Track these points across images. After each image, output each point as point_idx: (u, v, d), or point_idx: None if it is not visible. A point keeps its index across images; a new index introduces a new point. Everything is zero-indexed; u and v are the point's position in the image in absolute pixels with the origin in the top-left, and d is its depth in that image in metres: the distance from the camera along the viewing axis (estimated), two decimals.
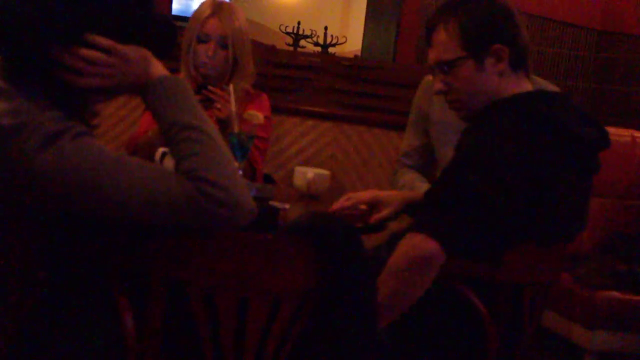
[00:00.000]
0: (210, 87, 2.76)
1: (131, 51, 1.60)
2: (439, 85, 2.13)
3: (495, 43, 2.03)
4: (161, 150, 2.45)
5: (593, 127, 2.04)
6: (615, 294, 3.45)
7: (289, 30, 9.34)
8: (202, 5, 3.03)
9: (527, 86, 2.10)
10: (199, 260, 1.57)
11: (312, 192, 2.69)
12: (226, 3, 3.07)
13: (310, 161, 3.97)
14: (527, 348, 2.12)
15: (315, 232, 1.63)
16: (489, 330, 1.94)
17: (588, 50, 5.35)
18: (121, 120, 4.06)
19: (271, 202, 2.41)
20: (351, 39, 9.17)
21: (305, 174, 2.68)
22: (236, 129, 2.65)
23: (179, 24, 3.28)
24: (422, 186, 2.84)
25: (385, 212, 2.34)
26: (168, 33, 1.73)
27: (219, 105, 2.74)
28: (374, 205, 2.37)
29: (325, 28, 9.29)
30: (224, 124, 2.68)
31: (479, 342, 1.95)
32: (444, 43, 2.08)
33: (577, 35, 5.29)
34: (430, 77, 3.14)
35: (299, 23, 9.47)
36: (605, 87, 5.24)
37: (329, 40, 9.04)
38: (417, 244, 1.83)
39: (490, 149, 1.90)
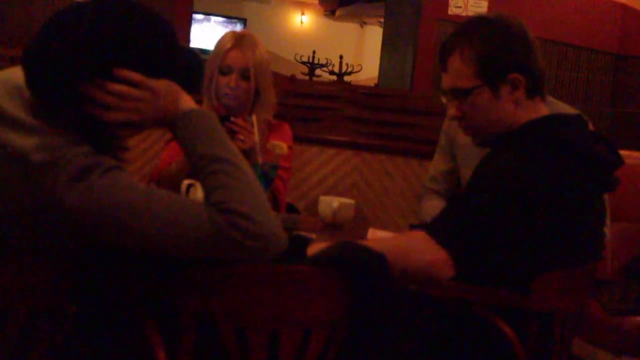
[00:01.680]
0: (232, 119, 2.78)
1: (160, 85, 1.61)
2: (453, 112, 2.14)
3: (511, 72, 2.04)
4: (186, 182, 2.46)
5: (606, 146, 2.04)
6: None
7: (304, 59, 9.39)
8: (224, 37, 3.05)
9: (543, 111, 2.10)
10: (230, 292, 1.57)
11: (337, 222, 2.69)
12: (248, 34, 3.09)
13: (332, 190, 3.98)
14: None
15: (345, 262, 1.62)
16: (519, 358, 1.92)
17: (605, 74, 5.35)
18: (143, 152, 4.09)
19: (297, 232, 2.41)
20: (366, 67, 9.21)
21: (331, 204, 2.68)
22: (260, 160, 2.66)
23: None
24: None
25: None
26: (195, 66, 1.74)
27: (242, 137, 2.75)
28: None
29: (341, 57, 9.34)
30: (247, 155, 2.69)
31: None
32: (459, 70, 2.08)
33: (594, 59, 5.30)
34: None
35: (314, 52, 9.52)
36: (623, 111, 5.24)
37: (344, 68, 9.09)
38: (427, 249, 1.86)
39: (510, 173, 1.90)
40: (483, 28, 2.08)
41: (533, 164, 1.91)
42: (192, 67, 1.73)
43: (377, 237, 2.35)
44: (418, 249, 1.90)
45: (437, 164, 3.16)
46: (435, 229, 1.91)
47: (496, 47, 2.04)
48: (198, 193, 2.31)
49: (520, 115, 2.06)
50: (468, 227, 1.89)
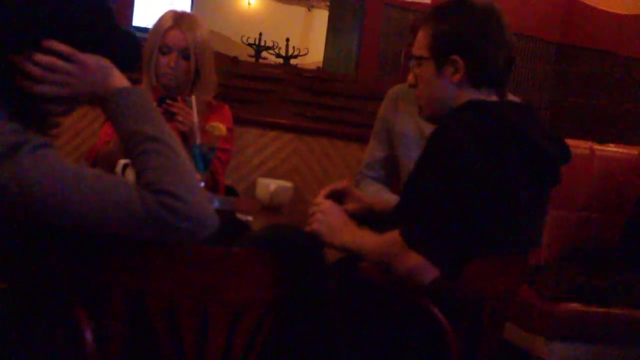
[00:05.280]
0: (169, 101, 2.75)
1: (91, 60, 1.58)
2: (410, 78, 2.18)
3: (453, 53, 2.06)
4: (122, 162, 2.43)
5: (555, 142, 2.06)
6: (575, 305, 3.47)
7: (251, 41, 9.33)
8: (163, 16, 3.02)
9: (493, 99, 2.11)
10: (160, 272, 1.56)
11: (275, 204, 2.68)
12: (188, 14, 3.06)
13: (273, 173, 3.96)
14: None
15: (277, 244, 1.62)
16: (451, 343, 1.94)
17: (547, 63, 5.41)
18: (80, 131, 4.02)
19: (234, 214, 2.40)
20: (313, 51, 9.18)
21: (268, 186, 2.68)
22: (198, 141, 2.63)
23: (139, 35, 3.26)
24: (388, 197, 2.85)
25: (349, 207, 2.34)
26: (131, 45, 1.72)
27: (180, 118, 2.73)
28: (344, 196, 2.38)
29: (287, 40, 9.30)
30: (186, 136, 2.66)
31: (440, 355, 1.95)
32: (420, 41, 2.15)
33: (536, 48, 5.35)
34: (395, 88, 3.19)
35: (260, 34, 9.47)
36: (564, 100, 5.31)
37: (290, 52, 9.05)
38: (418, 267, 1.88)
39: (452, 152, 1.91)
40: (451, 7, 2.12)
41: (478, 148, 1.91)
42: (127, 45, 1.70)
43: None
44: (397, 257, 1.91)
45: (373, 151, 3.17)
46: (407, 232, 1.91)
47: (449, 27, 2.09)
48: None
49: (462, 99, 2.08)
50: (432, 221, 1.90)
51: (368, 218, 2.36)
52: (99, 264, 1.58)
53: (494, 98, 2.10)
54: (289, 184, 2.75)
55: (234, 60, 4.20)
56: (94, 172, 1.51)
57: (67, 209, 1.46)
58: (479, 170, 1.89)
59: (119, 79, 1.62)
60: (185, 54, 2.95)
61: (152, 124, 1.58)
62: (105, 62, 1.61)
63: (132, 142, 1.56)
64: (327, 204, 2.15)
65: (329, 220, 2.10)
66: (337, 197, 2.32)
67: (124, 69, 1.65)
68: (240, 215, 2.39)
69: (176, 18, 2.99)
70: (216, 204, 2.49)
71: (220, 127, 2.68)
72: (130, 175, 2.33)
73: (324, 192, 2.28)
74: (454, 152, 1.92)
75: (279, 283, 1.62)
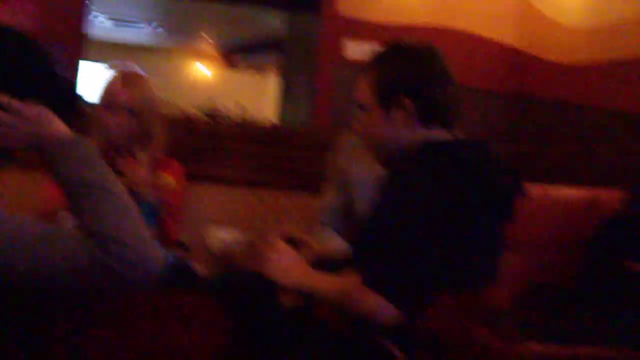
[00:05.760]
0: (118, 158, 2.74)
1: (30, 109, 1.56)
2: (356, 126, 2.17)
3: (401, 96, 2.06)
4: (62, 213, 2.39)
5: (509, 175, 2.07)
6: (535, 346, 3.46)
7: (204, 109, 9.38)
8: (112, 75, 3.02)
9: (444, 137, 2.12)
10: (106, 320, 1.52)
11: (227, 255, 2.65)
12: (135, 73, 3.06)
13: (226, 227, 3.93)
14: None
15: (228, 289, 1.60)
16: None
17: (500, 112, 5.50)
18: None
19: (188, 266, 2.37)
20: (267, 115, 9.25)
21: (220, 236, 2.65)
22: (148, 197, 2.61)
23: None
24: (342, 244, 2.84)
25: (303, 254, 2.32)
26: (70, 92, 1.70)
27: (129, 174, 2.71)
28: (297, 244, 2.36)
29: (241, 107, 9.38)
30: (134, 192, 2.64)
31: None
32: (362, 88, 2.14)
33: (487, 99, 5.44)
34: (347, 136, 3.21)
35: (213, 102, 9.53)
36: (519, 147, 5.38)
37: (245, 117, 9.13)
38: (378, 308, 1.85)
39: (409, 196, 1.91)
40: (391, 51, 2.13)
41: (432, 183, 1.91)
42: (66, 92, 1.68)
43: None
44: (356, 298, 1.88)
45: (330, 199, 3.18)
46: (366, 273, 1.89)
47: (392, 70, 2.09)
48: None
49: (415, 139, 2.08)
50: (391, 261, 1.89)
51: (322, 265, 2.34)
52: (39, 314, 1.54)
53: (446, 136, 2.11)
54: (240, 234, 2.72)
55: (189, 119, 4.20)
56: (30, 219, 1.48)
57: (7, 265, 1.42)
58: (436, 208, 1.89)
59: (60, 128, 1.59)
60: (132, 111, 2.94)
61: (96, 171, 1.55)
62: (44, 111, 1.59)
63: (74, 190, 1.53)
64: (281, 245, 2.13)
65: (283, 261, 2.08)
66: (291, 244, 2.30)
67: (63, 116, 1.63)
68: (193, 267, 2.35)
69: (124, 77, 2.99)
70: (170, 259, 2.46)
71: (169, 181, 2.66)
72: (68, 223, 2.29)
73: (277, 235, 2.25)
74: (410, 191, 1.92)
75: (231, 328, 1.59)
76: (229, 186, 4.03)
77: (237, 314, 1.59)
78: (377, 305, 1.86)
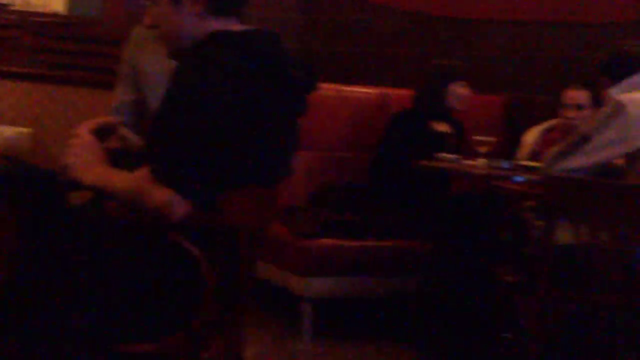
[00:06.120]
0: None
1: None
2: (147, 18, 2.10)
3: None
4: None
5: (302, 70, 2.06)
6: (328, 241, 3.57)
7: None
8: None
9: (236, 28, 2.08)
10: None
11: (13, 152, 2.52)
12: None
13: (12, 125, 3.73)
14: (245, 294, 2.12)
15: (13, 182, 1.51)
16: (206, 276, 1.91)
17: (294, 11, 5.49)
18: None
19: None
20: (54, 5, 8.77)
21: (2, 133, 2.50)
22: None
23: None
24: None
25: (112, 145, 2.24)
26: None
27: None
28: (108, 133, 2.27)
29: None
30: None
31: (196, 290, 1.92)
32: None
33: None
34: (139, 29, 3.09)
35: None
36: (311, 46, 5.41)
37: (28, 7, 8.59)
38: (168, 202, 1.83)
39: (198, 84, 1.87)
40: None
41: (224, 75, 1.88)
42: None
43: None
44: (147, 193, 1.85)
45: (121, 95, 3.08)
46: (156, 167, 1.86)
47: None
48: None
49: (206, 29, 2.03)
50: (181, 155, 1.86)
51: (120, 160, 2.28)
52: None
53: (237, 26, 2.07)
54: (26, 130, 2.58)
55: None
56: None
57: None
58: (226, 101, 1.87)
59: None
60: None
61: None
62: None
63: None
64: (87, 139, 2.05)
65: (85, 156, 2.00)
66: (101, 133, 2.21)
67: None
68: None
69: None
70: None
71: None
72: None
73: (88, 125, 2.15)
74: (199, 84, 1.88)
75: (16, 223, 1.51)
76: (11, 80, 3.81)
77: (23, 211, 1.51)
78: (168, 199, 1.84)
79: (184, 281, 1.94)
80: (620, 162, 3.16)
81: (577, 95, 3.75)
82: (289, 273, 3.61)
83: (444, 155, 3.59)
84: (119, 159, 2.15)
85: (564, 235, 2.80)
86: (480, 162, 3.44)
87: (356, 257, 3.61)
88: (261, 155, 1.99)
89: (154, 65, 2.99)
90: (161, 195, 1.84)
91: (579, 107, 3.72)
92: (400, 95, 4.29)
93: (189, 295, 1.94)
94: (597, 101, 3.56)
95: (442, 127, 3.92)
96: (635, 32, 3.94)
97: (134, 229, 1.96)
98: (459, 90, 3.92)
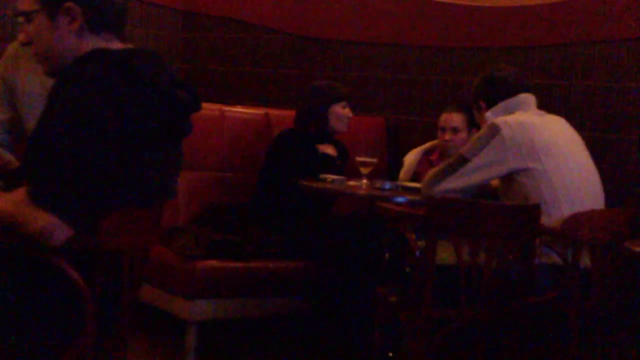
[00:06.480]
0: None
1: None
2: (22, 36, 2.04)
3: (67, 1, 1.96)
4: None
5: (184, 90, 2.05)
6: (213, 262, 3.54)
7: None
8: None
9: (117, 46, 2.04)
10: None
11: None
12: None
13: None
14: (128, 319, 2.08)
15: None
16: (88, 302, 1.87)
17: (176, 30, 5.45)
18: None
19: None
20: None
21: None
22: None
23: None
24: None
25: None
26: None
27: None
28: None
29: None
30: None
31: (78, 315, 1.87)
32: None
33: (161, 15, 5.37)
34: (13, 46, 3.00)
35: None
36: (192, 67, 5.39)
37: None
38: (49, 227, 1.78)
39: (78, 104, 1.83)
40: None
41: (103, 94, 1.85)
42: None
43: None
44: (26, 218, 1.79)
45: None
46: (35, 191, 1.80)
47: None
48: None
49: (85, 47, 1.99)
50: (61, 177, 1.81)
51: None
52: None
53: (117, 44, 2.04)
54: None
55: None
56: None
57: None
58: (106, 120, 1.84)
59: None
60: None
61: None
62: None
63: None
64: None
65: None
66: None
67: None
68: None
69: None
70: None
71: None
72: None
73: None
74: (78, 103, 1.84)
75: None
76: None
77: None
78: (48, 224, 1.79)
79: (65, 307, 1.89)
80: (495, 183, 3.27)
81: (453, 118, 3.86)
82: (173, 296, 3.56)
83: (328, 176, 3.62)
84: None
85: (445, 254, 2.87)
86: (364, 183, 3.48)
87: (241, 279, 3.59)
88: (144, 176, 1.97)
89: (29, 84, 2.92)
90: (41, 220, 1.79)
91: (455, 130, 3.83)
92: (283, 115, 4.31)
93: (71, 321, 1.89)
94: (473, 124, 3.69)
95: (325, 148, 3.96)
96: (508, 56, 4.09)
97: (11, 253, 1.89)
98: (341, 112, 3.96)
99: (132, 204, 1.99)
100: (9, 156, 2.40)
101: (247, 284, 3.61)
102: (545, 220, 2.96)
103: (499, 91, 3.28)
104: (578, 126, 3.42)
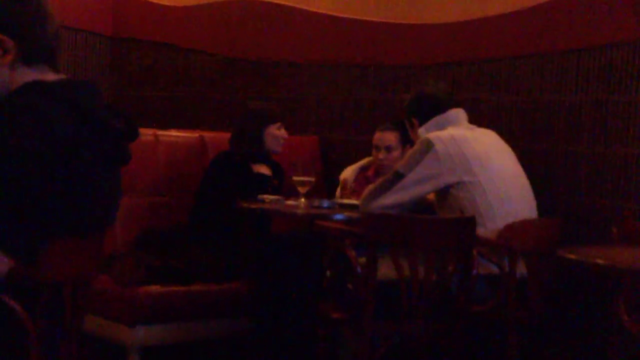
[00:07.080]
0: None
1: None
2: None
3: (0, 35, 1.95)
4: None
5: (121, 119, 2.05)
6: (153, 288, 3.53)
7: None
8: None
9: (51, 77, 2.03)
10: None
11: None
12: None
13: None
14: (72, 350, 2.06)
15: None
16: (30, 335, 1.85)
17: (106, 55, 5.42)
18: None
19: None
20: None
21: None
22: None
23: None
24: None
25: None
26: None
27: None
28: None
29: None
30: None
31: (21, 348, 1.85)
32: None
33: (89, 41, 5.33)
34: None
35: None
36: (124, 92, 5.36)
37: None
38: None
39: (12, 135, 1.82)
40: None
41: (39, 124, 1.83)
42: None
43: None
44: None
45: None
46: None
47: None
48: None
49: (18, 81, 1.98)
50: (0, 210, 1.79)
51: None
52: None
53: (51, 75, 2.03)
54: None
55: None
56: None
57: None
58: (42, 151, 1.82)
59: None
60: None
61: None
62: None
63: None
64: None
65: None
66: None
67: None
68: None
69: None
70: None
71: None
72: None
73: None
74: (12, 134, 1.82)
75: None
76: None
77: None
78: None
79: (7, 340, 1.87)
80: (431, 197, 3.33)
81: (386, 137, 3.89)
82: (114, 323, 3.53)
83: (266, 196, 3.64)
84: None
85: (386, 270, 2.91)
86: (302, 202, 3.51)
87: (183, 303, 3.58)
88: (82, 205, 1.96)
89: None
90: None
91: (388, 148, 3.87)
92: (218, 138, 4.32)
93: (14, 354, 1.87)
94: (407, 140, 3.74)
95: (260, 168, 3.98)
96: (437, 72, 4.17)
97: None
98: (277, 133, 3.98)
99: (72, 233, 1.97)
100: None
101: (189, 308, 3.60)
102: (481, 231, 3.02)
103: (430, 107, 3.34)
104: (507, 139, 3.51)
